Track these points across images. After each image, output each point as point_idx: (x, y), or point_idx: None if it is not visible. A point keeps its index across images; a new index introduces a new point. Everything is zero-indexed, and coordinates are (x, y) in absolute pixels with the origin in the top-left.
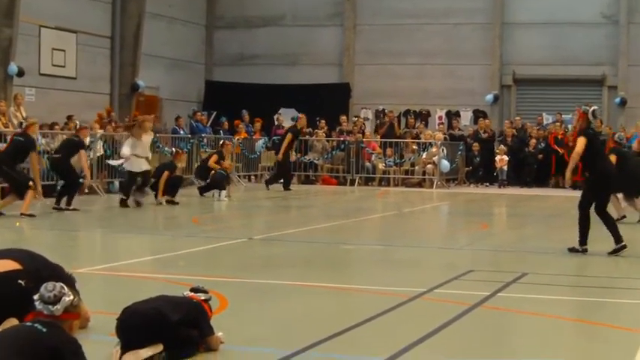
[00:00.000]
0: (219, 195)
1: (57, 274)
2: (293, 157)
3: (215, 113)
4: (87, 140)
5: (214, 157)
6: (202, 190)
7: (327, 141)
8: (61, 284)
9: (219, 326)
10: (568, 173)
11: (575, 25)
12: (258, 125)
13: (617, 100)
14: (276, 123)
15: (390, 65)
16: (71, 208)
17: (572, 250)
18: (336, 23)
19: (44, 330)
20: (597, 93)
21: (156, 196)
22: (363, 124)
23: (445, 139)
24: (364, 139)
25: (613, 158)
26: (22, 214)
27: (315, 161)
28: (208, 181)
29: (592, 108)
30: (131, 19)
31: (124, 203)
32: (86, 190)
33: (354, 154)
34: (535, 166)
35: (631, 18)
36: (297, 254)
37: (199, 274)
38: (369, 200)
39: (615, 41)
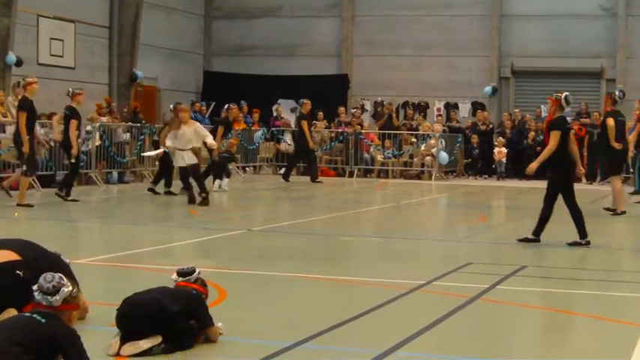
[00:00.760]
0: (220, 184)
1: (56, 264)
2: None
3: (214, 104)
4: (79, 105)
5: (220, 130)
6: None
7: (326, 132)
8: (60, 275)
9: (219, 317)
10: (534, 165)
11: (574, 18)
12: (256, 116)
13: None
14: (274, 114)
15: (389, 57)
16: (70, 198)
17: (524, 240)
18: (335, 14)
19: (43, 321)
20: (596, 85)
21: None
22: (361, 109)
23: (444, 131)
24: (363, 131)
25: (610, 122)
26: (18, 204)
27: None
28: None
29: (564, 94)
30: (129, 8)
31: (191, 200)
32: (72, 160)
33: (353, 145)
34: (534, 159)
35: (630, 10)
36: (296, 246)
37: (198, 266)
38: (368, 192)
39: (614, 34)
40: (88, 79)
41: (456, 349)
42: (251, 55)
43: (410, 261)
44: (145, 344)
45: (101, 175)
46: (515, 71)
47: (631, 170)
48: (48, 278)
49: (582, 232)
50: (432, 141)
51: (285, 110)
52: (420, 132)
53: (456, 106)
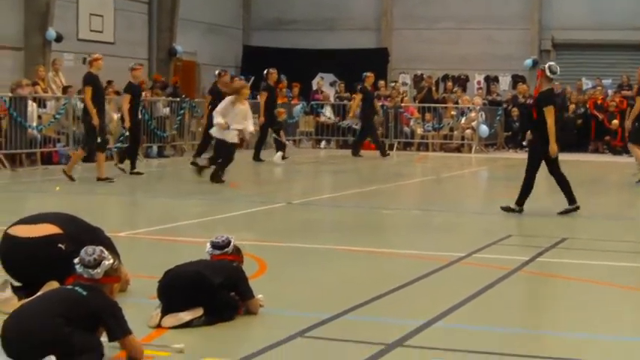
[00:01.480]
0: (276, 156)
1: (97, 237)
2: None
3: (253, 78)
4: (138, 81)
5: (264, 96)
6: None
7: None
8: (101, 248)
9: (259, 290)
10: (554, 146)
11: None
12: (296, 90)
13: None
14: (314, 87)
15: (428, 30)
16: (134, 171)
17: (506, 209)
18: None
19: (84, 293)
20: (636, 57)
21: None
22: (403, 89)
23: (484, 104)
24: (402, 104)
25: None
26: (98, 178)
27: (354, 126)
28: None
29: (548, 63)
30: None
31: (200, 170)
32: (126, 133)
33: (393, 118)
34: (574, 131)
35: None
36: (335, 219)
37: (238, 239)
38: (408, 165)
39: None
40: (128, 55)
41: (496, 320)
42: (290, 30)
43: (450, 233)
44: (185, 316)
45: (141, 150)
46: (555, 44)
47: None
48: (89, 251)
49: (570, 197)
50: (473, 114)
51: (325, 84)
52: (460, 105)
53: (496, 79)
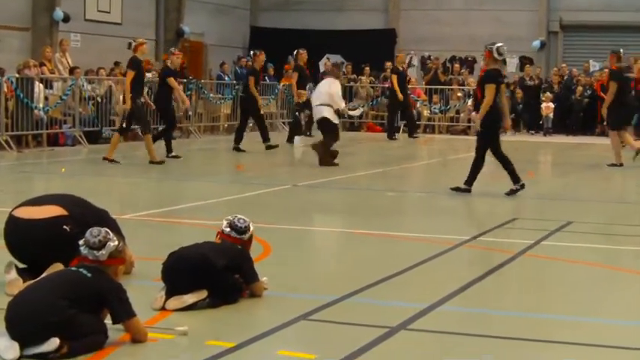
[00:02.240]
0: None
1: (102, 219)
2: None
3: None
4: (174, 65)
5: (295, 77)
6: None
7: (372, 87)
8: (106, 229)
9: (264, 272)
10: (478, 118)
11: None
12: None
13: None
14: (322, 69)
15: (436, 11)
16: (171, 154)
17: (456, 189)
18: None
19: (89, 275)
20: None
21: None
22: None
23: None
24: (409, 86)
25: (613, 86)
26: (151, 161)
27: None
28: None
29: (496, 45)
30: None
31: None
32: (189, 113)
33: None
34: (581, 114)
35: None
36: (341, 201)
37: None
38: (414, 147)
39: None
40: (135, 35)
41: (501, 304)
42: (298, 10)
43: (455, 216)
44: (190, 299)
45: None
46: (563, 25)
47: None
48: (94, 233)
49: (514, 177)
50: None
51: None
52: (467, 87)
53: (503, 61)
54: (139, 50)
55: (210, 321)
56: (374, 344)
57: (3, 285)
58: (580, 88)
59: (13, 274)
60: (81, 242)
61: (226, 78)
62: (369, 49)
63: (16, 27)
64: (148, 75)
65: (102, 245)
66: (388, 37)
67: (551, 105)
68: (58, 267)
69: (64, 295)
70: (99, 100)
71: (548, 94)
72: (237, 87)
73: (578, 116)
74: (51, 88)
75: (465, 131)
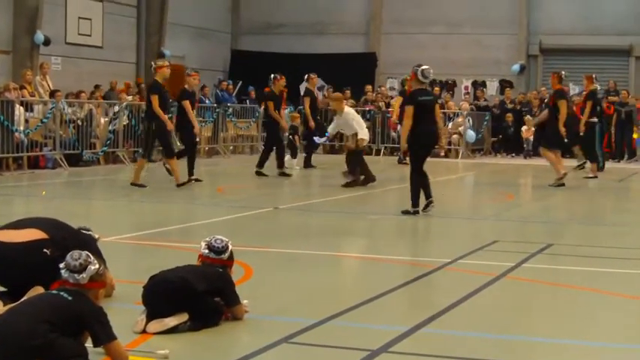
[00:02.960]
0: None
1: (83, 243)
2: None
3: (241, 83)
4: (195, 87)
5: (307, 101)
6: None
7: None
8: (87, 253)
9: (245, 295)
10: (403, 144)
11: None
12: (284, 94)
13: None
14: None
15: (417, 34)
16: (193, 177)
17: (405, 212)
18: None
19: (69, 298)
20: (624, 63)
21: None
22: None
23: (471, 109)
24: (390, 109)
25: (564, 104)
26: (178, 185)
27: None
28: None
29: (422, 67)
30: None
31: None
32: (197, 139)
33: (380, 124)
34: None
35: None
36: (322, 224)
37: None
38: (395, 170)
39: None
40: (116, 59)
41: (482, 326)
42: (279, 34)
43: (436, 239)
44: (171, 322)
45: (128, 154)
46: (543, 49)
47: None
48: (75, 256)
49: (414, 200)
50: (460, 119)
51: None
52: (448, 110)
53: (483, 85)
54: (159, 73)
55: (191, 344)
56: None
57: None
58: None
59: None
60: (62, 265)
61: (207, 101)
62: (350, 73)
63: None
64: (129, 98)
65: (83, 268)
66: (369, 61)
67: (532, 128)
68: (38, 290)
69: (45, 319)
70: (79, 123)
71: (528, 117)
72: (217, 110)
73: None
74: (31, 110)
75: (445, 154)
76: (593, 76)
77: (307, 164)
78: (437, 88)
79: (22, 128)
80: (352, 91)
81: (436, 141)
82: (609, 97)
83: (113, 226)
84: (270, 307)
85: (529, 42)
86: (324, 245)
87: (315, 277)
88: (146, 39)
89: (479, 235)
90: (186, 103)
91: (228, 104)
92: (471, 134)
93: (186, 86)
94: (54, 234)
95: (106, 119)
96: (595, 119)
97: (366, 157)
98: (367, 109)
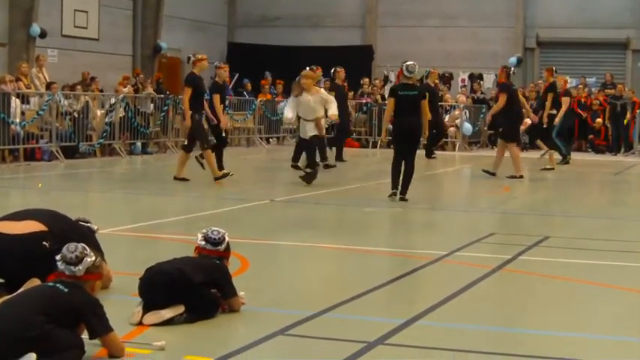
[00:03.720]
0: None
1: (82, 235)
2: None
3: (237, 75)
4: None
5: (332, 95)
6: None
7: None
8: (83, 245)
9: (241, 287)
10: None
11: None
12: (280, 87)
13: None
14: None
15: (413, 27)
16: (220, 174)
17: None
18: None
19: (65, 290)
20: (621, 56)
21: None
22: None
23: (473, 100)
24: (386, 102)
25: (503, 98)
26: (215, 178)
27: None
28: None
29: (406, 63)
30: None
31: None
32: (224, 134)
33: (376, 116)
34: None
35: None
36: (318, 216)
37: None
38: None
39: None
40: (112, 51)
41: (478, 319)
42: (275, 26)
43: (432, 231)
44: (167, 314)
45: (125, 146)
46: (540, 42)
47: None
48: (71, 248)
49: (393, 183)
50: (456, 112)
51: None
52: (444, 103)
53: (480, 77)
54: (198, 66)
55: (188, 336)
56: (352, 359)
57: None
58: None
59: None
60: (58, 257)
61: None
62: (346, 66)
63: None
64: (125, 90)
65: (79, 261)
66: (365, 54)
67: (528, 121)
68: (35, 282)
69: (41, 311)
70: (76, 115)
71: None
72: None
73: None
74: (28, 103)
75: (442, 146)
76: (553, 68)
77: (339, 158)
78: (437, 82)
79: (18, 120)
80: (349, 83)
81: (415, 134)
82: (606, 91)
83: (110, 218)
84: (267, 299)
85: (526, 35)
86: (320, 237)
87: (311, 269)
88: (142, 31)
89: (475, 228)
90: (216, 97)
91: (225, 96)
92: (467, 127)
93: (216, 79)
94: (53, 226)
95: (103, 111)
96: (554, 111)
97: (362, 150)
98: (364, 101)
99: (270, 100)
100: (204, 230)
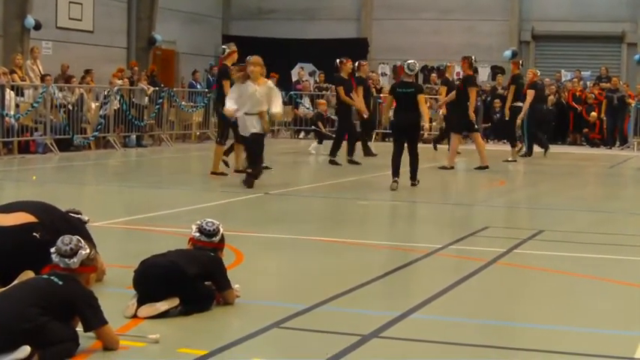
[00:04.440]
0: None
1: (73, 226)
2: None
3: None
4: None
5: (341, 90)
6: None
7: None
8: (78, 237)
9: (236, 280)
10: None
11: None
12: (274, 80)
13: (637, 57)
14: (295, 78)
15: (408, 20)
16: (219, 170)
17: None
18: None
19: (60, 282)
20: (616, 50)
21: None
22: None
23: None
24: (381, 95)
25: (473, 91)
26: (212, 172)
27: (332, 117)
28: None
29: (407, 62)
30: None
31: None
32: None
33: (372, 109)
34: (553, 123)
35: None
36: (313, 209)
37: None
38: (386, 156)
39: None
40: (107, 43)
41: (473, 312)
42: (270, 19)
43: (427, 225)
44: (162, 306)
45: (119, 139)
46: (535, 35)
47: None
48: (66, 241)
49: (393, 170)
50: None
51: (305, 74)
52: (438, 96)
53: (475, 71)
54: (230, 58)
55: (182, 329)
56: (346, 352)
57: None
58: (552, 97)
59: None
60: (52, 250)
61: (198, 86)
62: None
63: None
64: (119, 82)
65: (73, 253)
66: (360, 47)
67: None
68: (28, 274)
69: (35, 303)
70: (70, 107)
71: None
72: (208, 95)
73: (549, 125)
74: (22, 95)
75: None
76: (520, 61)
77: (367, 152)
78: (433, 75)
79: (12, 113)
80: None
81: (412, 127)
82: (601, 84)
83: (104, 211)
84: (262, 292)
85: (521, 28)
86: (315, 230)
87: (306, 262)
88: (137, 24)
89: (470, 221)
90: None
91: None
92: None
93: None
94: (43, 217)
95: (97, 104)
96: (519, 104)
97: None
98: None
99: None
100: (198, 222)
